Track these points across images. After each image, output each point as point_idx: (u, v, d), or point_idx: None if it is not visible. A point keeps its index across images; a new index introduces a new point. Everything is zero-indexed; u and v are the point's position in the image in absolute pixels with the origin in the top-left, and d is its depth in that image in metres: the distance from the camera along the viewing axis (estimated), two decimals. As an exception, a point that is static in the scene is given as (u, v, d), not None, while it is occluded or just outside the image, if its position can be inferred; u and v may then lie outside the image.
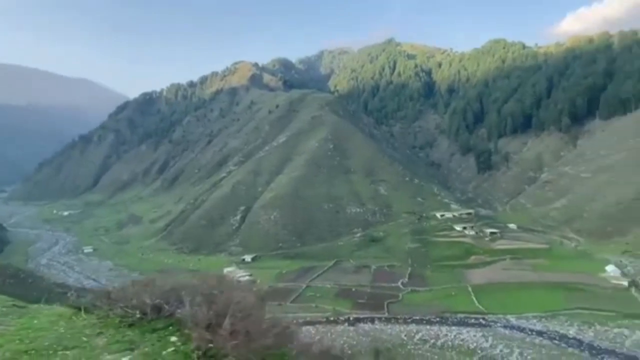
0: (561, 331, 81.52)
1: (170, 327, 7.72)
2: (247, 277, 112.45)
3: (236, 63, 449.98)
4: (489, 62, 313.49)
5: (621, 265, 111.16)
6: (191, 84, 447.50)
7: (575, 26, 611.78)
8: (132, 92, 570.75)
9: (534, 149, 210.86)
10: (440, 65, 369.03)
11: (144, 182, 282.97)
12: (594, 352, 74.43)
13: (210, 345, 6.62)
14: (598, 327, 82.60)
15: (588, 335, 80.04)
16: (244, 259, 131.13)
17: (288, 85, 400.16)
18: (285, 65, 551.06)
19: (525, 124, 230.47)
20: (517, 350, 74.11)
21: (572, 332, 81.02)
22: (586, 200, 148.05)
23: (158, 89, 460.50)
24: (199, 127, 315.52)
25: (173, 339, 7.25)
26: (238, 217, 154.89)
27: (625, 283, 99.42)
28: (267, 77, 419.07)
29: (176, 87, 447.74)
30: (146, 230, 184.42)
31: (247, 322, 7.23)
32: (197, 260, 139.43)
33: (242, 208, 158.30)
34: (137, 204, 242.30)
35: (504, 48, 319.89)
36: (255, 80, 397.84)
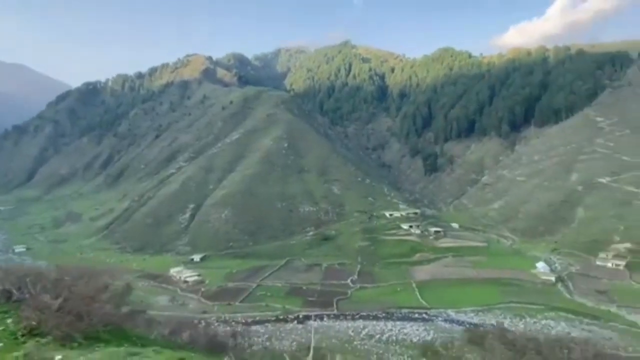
0: (495, 324, 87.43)
1: (12, 311, 8.01)
2: (195, 277, 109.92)
3: (189, 55, 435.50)
4: (437, 69, 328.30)
5: (550, 262, 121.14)
6: (139, 75, 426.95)
7: (517, 39, 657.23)
8: (74, 81, 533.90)
9: (476, 153, 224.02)
10: (393, 70, 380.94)
11: (84, 177, 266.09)
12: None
13: (34, 323, 7.01)
14: (528, 319, 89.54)
15: (519, 326, 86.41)
16: (192, 259, 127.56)
17: (243, 81, 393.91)
18: (241, 60, 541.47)
19: (469, 129, 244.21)
20: (457, 343, 78.59)
21: (505, 324, 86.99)
22: (521, 201, 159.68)
23: (103, 79, 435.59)
24: (147, 120, 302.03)
25: (9, 320, 7.56)
26: (187, 216, 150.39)
27: (553, 279, 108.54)
28: (221, 72, 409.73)
29: (123, 78, 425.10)
30: (86, 229, 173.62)
31: (76, 304, 7.68)
32: (142, 260, 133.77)
33: (192, 206, 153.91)
34: (76, 200, 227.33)
35: (451, 56, 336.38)
36: (209, 74, 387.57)
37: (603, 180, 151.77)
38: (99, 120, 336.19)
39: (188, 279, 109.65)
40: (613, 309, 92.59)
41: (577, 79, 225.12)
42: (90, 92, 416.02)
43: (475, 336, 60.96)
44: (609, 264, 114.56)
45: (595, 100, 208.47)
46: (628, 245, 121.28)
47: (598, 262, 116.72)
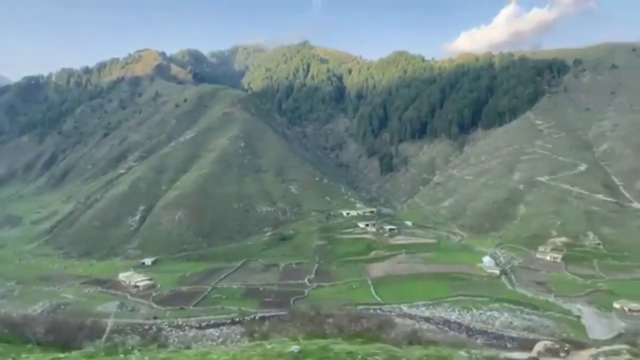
0: (445, 316, 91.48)
1: None
2: (146, 282, 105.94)
3: (140, 51, 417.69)
4: (392, 72, 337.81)
5: (495, 257, 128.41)
6: (86, 70, 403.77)
7: (467, 44, 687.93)
8: (15, 75, 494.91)
9: (429, 154, 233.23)
10: (350, 71, 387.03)
11: (25, 178, 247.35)
12: (470, 333, 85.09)
13: None
14: (475, 311, 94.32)
15: (466, 318, 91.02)
16: (143, 263, 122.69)
17: (198, 78, 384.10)
18: (197, 57, 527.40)
19: (421, 131, 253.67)
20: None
21: (453, 317, 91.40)
22: (468, 199, 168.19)
23: (46, 73, 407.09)
24: (95, 118, 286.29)
25: None
26: (137, 218, 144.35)
27: (497, 272, 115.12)
28: (175, 69, 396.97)
29: (68, 73, 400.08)
30: (27, 233, 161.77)
31: None
32: (89, 265, 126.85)
33: (143, 207, 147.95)
34: (15, 203, 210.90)
35: (405, 60, 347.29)
36: (162, 70, 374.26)
37: (542, 179, 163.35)
38: (41, 117, 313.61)
39: (139, 284, 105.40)
40: (551, 298, 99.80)
41: (519, 84, 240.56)
42: (32, 87, 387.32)
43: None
44: (548, 257, 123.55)
45: (535, 104, 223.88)
46: (564, 239, 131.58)
47: (538, 255, 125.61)
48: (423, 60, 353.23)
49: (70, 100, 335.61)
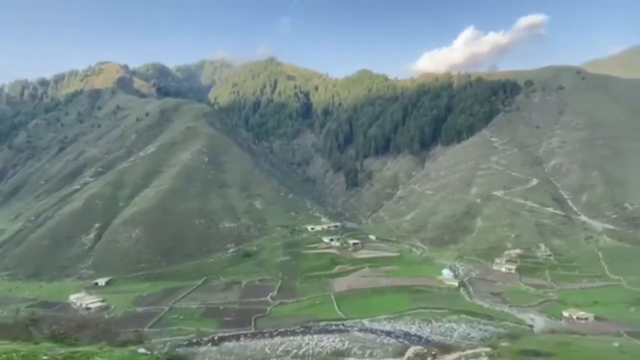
0: (405, 329, 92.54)
1: None
2: (98, 304, 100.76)
3: (102, 63, 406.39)
4: (357, 90, 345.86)
5: (454, 269, 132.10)
6: (42, 82, 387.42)
7: (429, 65, 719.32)
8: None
9: (392, 169, 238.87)
10: (317, 88, 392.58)
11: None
12: (430, 345, 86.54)
13: None
14: (434, 323, 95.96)
15: (426, 331, 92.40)
16: (96, 283, 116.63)
17: (163, 92, 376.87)
18: (161, 71, 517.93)
19: (385, 147, 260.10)
20: (367, 351, 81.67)
21: (414, 329, 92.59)
22: (429, 213, 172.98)
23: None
24: (50, 132, 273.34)
25: None
26: (92, 236, 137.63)
27: (456, 284, 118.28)
28: (138, 82, 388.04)
29: (22, 84, 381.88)
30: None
31: None
32: (38, 287, 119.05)
33: (98, 225, 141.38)
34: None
35: (370, 78, 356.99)
36: (124, 83, 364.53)
37: (497, 193, 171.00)
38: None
39: (90, 306, 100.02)
40: (506, 309, 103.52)
41: (476, 103, 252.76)
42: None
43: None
44: (503, 269, 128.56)
45: (491, 122, 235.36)
46: (518, 251, 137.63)
47: (494, 267, 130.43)
48: (386, 79, 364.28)
49: (24, 112, 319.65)
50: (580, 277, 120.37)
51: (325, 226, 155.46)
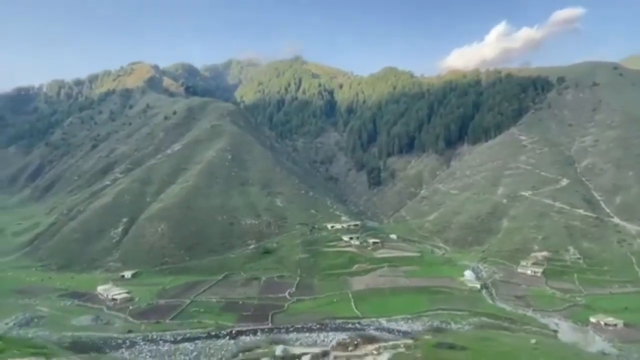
0: (422, 330, 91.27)
1: None
2: (123, 295, 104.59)
3: (133, 63, 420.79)
4: (382, 87, 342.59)
5: (477, 271, 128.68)
6: (78, 82, 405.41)
7: (458, 61, 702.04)
8: (7, 85, 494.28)
9: (416, 168, 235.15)
10: (341, 86, 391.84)
11: (9, 190, 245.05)
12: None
13: None
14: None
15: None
16: (123, 276, 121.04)
17: (191, 91, 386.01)
18: (190, 71, 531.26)
19: (409, 145, 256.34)
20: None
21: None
22: (453, 213, 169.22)
23: (37, 84, 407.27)
24: (84, 129, 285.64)
25: None
26: (120, 230, 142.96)
27: (478, 286, 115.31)
28: (167, 81, 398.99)
29: (59, 84, 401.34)
30: (7, 245, 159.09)
31: None
32: (69, 278, 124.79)
33: (125, 220, 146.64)
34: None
35: (395, 76, 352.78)
36: (154, 83, 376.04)
37: (525, 194, 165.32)
38: (29, 128, 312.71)
39: (116, 297, 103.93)
40: (529, 313, 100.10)
41: (504, 101, 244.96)
42: (22, 98, 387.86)
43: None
44: (529, 271, 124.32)
45: (520, 120, 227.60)
46: (545, 253, 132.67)
47: (519, 270, 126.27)
48: (412, 76, 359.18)
49: (60, 111, 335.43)
50: (611, 282, 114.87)
51: (345, 225, 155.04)
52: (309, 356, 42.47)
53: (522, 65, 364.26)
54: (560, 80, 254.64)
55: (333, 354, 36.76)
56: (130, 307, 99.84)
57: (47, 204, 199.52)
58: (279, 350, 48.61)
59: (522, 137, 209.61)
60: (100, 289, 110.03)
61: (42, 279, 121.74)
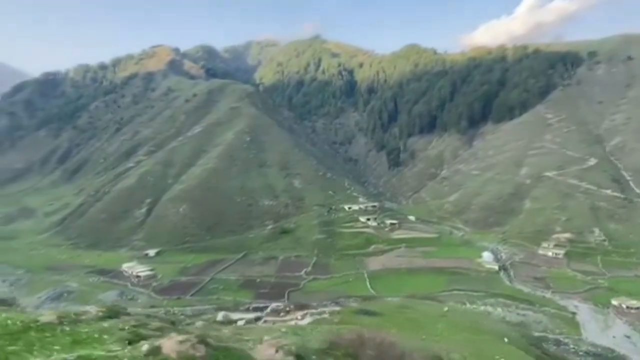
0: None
1: None
2: (147, 272, 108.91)
3: (154, 46, 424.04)
4: (404, 65, 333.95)
5: (496, 252, 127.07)
6: (102, 66, 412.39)
7: (485, 37, 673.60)
8: (33, 69, 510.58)
9: (437, 148, 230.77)
10: (361, 65, 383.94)
11: (41, 172, 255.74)
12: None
13: None
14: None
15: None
16: (146, 254, 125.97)
17: (211, 73, 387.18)
18: (210, 53, 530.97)
19: (431, 125, 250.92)
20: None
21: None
22: (474, 194, 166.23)
23: (63, 69, 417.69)
24: (108, 113, 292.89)
25: None
26: (143, 210, 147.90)
27: (496, 267, 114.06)
28: (188, 64, 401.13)
29: (84, 69, 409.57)
30: (39, 225, 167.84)
31: None
32: (96, 256, 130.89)
33: (149, 200, 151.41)
34: (31, 195, 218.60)
35: (417, 53, 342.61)
36: (175, 66, 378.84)
37: (550, 174, 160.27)
38: (57, 112, 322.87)
39: (140, 274, 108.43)
40: (548, 294, 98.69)
41: (530, 77, 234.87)
42: (50, 82, 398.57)
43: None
44: (550, 253, 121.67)
45: (546, 97, 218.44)
46: (568, 235, 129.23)
47: (540, 251, 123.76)
48: (435, 53, 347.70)
49: (86, 95, 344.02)
50: (637, 264, 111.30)
51: (362, 206, 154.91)
52: (243, 321, 49.24)
53: (555, 40, 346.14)
54: (592, 54, 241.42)
55: (264, 319, 41.18)
56: (154, 284, 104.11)
57: (76, 185, 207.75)
58: (220, 316, 55.42)
59: (549, 115, 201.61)
60: (125, 266, 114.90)
61: (72, 257, 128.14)
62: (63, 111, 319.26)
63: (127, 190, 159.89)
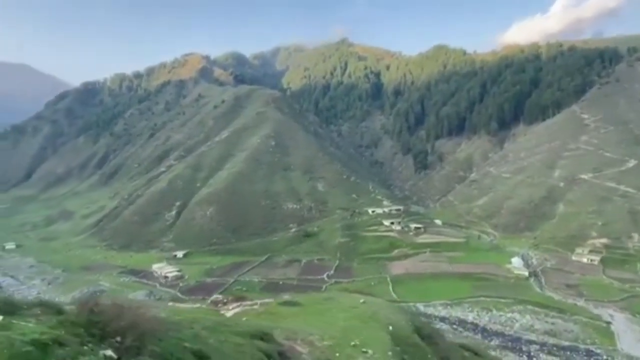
0: (461, 317, 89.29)
1: None
2: (175, 273, 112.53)
3: (186, 55, 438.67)
4: (432, 67, 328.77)
5: (527, 258, 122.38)
6: (137, 75, 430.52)
7: (519, 36, 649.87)
8: (75, 80, 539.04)
9: (466, 151, 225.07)
10: (388, 67, 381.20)
11: (80, 176, 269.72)
12: (485, 334, 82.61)
13: None
14: (495, 312, 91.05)
15: (484, 319, 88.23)
16: (175, 255, 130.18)
17: (239, 80, 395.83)
18: (239, 60, 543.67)
19: (459, 127, 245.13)
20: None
21: (470, 317, 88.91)
22: (504, 198, 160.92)
23: (101, 79, 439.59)
24: (142, 120, 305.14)
25: None
26: (173, 213, 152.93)
27: (526, 273, 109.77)
28: (218, 71, 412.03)
29: (121, 78, 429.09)
30: (77, 227, 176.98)
31: None
32: (128, 256, 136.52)
33: (178, 204, 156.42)
34: (70, 199, 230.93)
35: (445, 54, 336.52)
36: (205, 73, 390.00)
37: (585, 177, 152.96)
38: (96, 119, 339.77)
39: (168, 275, 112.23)
40: (580, 302, 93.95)
41: (565, 76, 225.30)
42: (89, 91, 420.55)
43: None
44: (585, 259, 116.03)
45: (582, 97, 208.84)
46: (604, 240, 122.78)
47: (574, 257, 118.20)
48: (464, 53, 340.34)
49: (122, 103, 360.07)
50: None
51: (386, 209, 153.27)
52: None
53: (594, 36, 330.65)
54: (632, 50, 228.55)
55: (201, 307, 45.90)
56: (180, 284, 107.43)
57: (111, 189, 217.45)
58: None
59: (584, 115, 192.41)
60: (155, 267, 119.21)
61: (105, 257, 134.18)
62: (101, 118, 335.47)
63: (158, 193, 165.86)
